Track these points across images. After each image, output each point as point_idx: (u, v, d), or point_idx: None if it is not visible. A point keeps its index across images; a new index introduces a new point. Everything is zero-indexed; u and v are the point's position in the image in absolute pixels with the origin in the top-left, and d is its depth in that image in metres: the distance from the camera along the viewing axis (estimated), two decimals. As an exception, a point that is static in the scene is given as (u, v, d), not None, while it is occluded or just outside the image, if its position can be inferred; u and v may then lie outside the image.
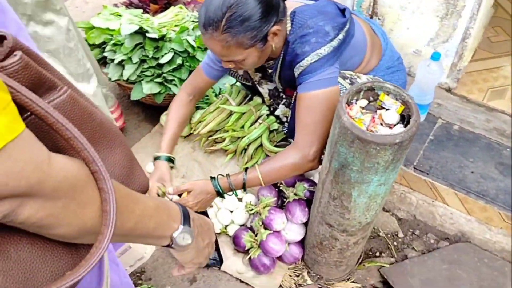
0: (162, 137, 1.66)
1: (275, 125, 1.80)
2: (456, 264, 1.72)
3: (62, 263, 0.53)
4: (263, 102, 1.87)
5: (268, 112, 1.84)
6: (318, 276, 1.71)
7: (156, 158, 1.61)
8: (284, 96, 1.82)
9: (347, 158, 1.17)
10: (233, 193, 1.51)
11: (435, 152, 1.88)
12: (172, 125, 1.66)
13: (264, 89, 1.80)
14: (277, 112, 1.82)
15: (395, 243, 1.82)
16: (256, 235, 1.64)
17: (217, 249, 1.61)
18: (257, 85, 1.82)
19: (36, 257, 0.51)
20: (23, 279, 0.49)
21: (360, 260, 1.74)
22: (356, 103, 1.21)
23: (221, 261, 1.61)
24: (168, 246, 0.70)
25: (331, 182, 1.30)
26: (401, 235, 1.84)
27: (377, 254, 1.79)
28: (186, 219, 0.71)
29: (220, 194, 1.48)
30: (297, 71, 1.39)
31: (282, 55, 1.46)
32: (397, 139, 1.08)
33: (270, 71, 1.64)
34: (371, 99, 1.24)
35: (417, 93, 1.86)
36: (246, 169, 1.48)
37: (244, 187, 1.47)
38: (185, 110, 1.71)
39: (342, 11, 1.45)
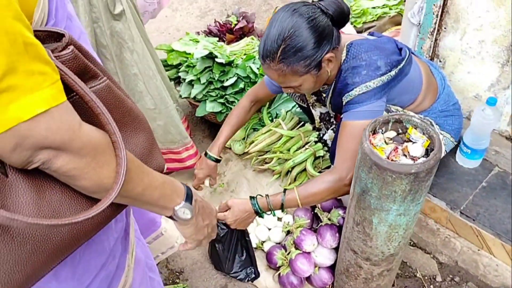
0: (218, 136, 1.84)
1: (321, 152, 1.88)
2: (495, 319, 1.63)
3: (81, 210, 0.68)
4: (314, 128, 1.97)
5: (316, 139, 1.93)
6: (346, 305, 1.72)
7: (208, 155, 1.82)
8: (334, 122, 1.91)
9: (367, 183, 1.23)
10: (271, 213, 1.60)
11: (486, 200, 1.82)
12: (229, 129, 1.83)
13: (317, 111, 1.91)
14: (325, 136, 1.91)
15: (431, 286, 1.78)
16: (287, 254, 1.71)
17: (254, 263, 1.71)
18: (311, 107, 1.93)
19: (63, 202, 0.66)
20: (49, 215, 0.65)
21: (391, 297, 1.73)
22: (382, 133, 1.27)
23: (257, 275, 1.71)
24: (171, 218, 0.84)
25: (354, 207, 1.35)
26: (439, 279, 1.79)
27: (411, 294, 1.76)
28: (189, 198, 0.84)
29: (258, 213, 1.56)
30: (345, 100, 1.48)
31: (334, 81, 1.56)
32: (412, 169, 1.12)
33: (323, 95, 1.75)
34: (400, 131, 1.30)
35: (472, 137, 1.83)
36: (285, 190, 1.57)
37: (282, 207, 1.54)
38: (244, 116, 1.87)
39: (400, 49, 1.51)
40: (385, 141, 1.25)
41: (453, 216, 1.83)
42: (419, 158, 1.23)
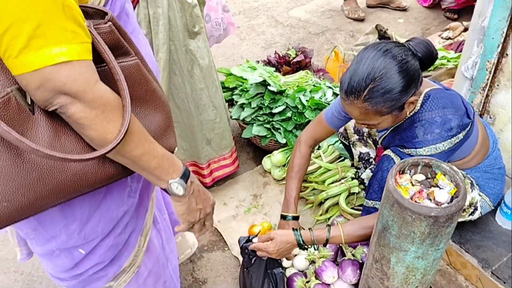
0: (287, 194, 1.79)
1: (357, 189, 1.92)
2: None
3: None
4: (352, 165, 2.02)
5: (353, 176, 1.97)
6: None
7: (285, 217, 1.79)
8: (373, 162, 1.95)
9: (388, 221, 1.26)
10: (312, 246, 1.64)
11: (521, 264, 1.76)
12: (296, 184, 1.78)
13: (357, 150, 1.95)
14: (362, 175, 1.95)
15: None
16: (307, 282, 1.74)
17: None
18: (351, 145, 1.98)
19: (73, 149, 0.78)
20: (64, 151, 0.77)
21: None
22: (410, 175, 1.30)
23: None
24: (165, 191, 0.93)
25: (375, 243, 1.38)
26: (460, 337, 1.73)
27: None
28: (185, 177, 0.94)
29: (300, 245, 1.59)
30: (407, 150, 1.50)
31: (399, 124, 1.56)
32: (432, 212, 1.15)
33: (376, 135, 1.77)
34: (429, 176, 1.32)
35: (514, 197, 1.79)
36: (329, 227, 1.59)
37: (326, 243, 1.57)
38: (307, 166, 1.84)
39: (466, 109, 1.51)
40: (411, 183, 1.28)
41: (484, 276, 1.77)
42: (443, 204, 1.24)
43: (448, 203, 1.25)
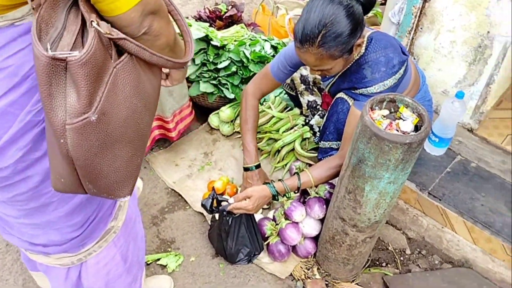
0: (245, 147, 1.86)
1: (308, 134, 2.04)
2: (456, 285, 1.85)
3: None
4: (301, 113, 2.12)
5: (303, 123, 2.08)
6: (327, 273, 1.88)
7: (248, 169, 1.86)
8: (320, 108, 2.07)
9: (364, 153, 1.39)
10: (285, 196, 1.76)
11: (450, 183, 2.05)
12: (251, 134, 1.86)
13: (304, 99, 2.06)
14: (312, 122, 2.07)
15: (401, 258, 1.97)
16: (276, 224, 1.85)
17: (261, 245, 1.83)
18: (299, 95, 2.08)
19: (148, 81, 0.88)
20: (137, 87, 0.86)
21: (366, 265, 1.90)
22: (378, 110, 1.44)
23: (261, 249, 1.83)
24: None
25: (348, 176, 1.51)
26: (408, 252, 2.00)
27: (384, 264, 1.94)
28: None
29: (274, 197, 1.73)
30: (359, 90, 1.63)
31: (345, 69, 1.69)
32: (407, 139, 1.30)
33: (321, 83, 1.89)
34: (392, 110, 1.47)
35: (440, 127, 2.06)
36: (297, 173, 1.73)
37: (298, 190, 1.73)
38: (257, 116, 1.91)
39: (401, 47, 1.69)
40: (383, 117, 1.42)
41: (422, 197, 2.04)
42: (409, 133, 1.41)
43: (413, 132, 1.42)
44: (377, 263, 1.95)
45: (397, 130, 1.42)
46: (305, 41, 1.48)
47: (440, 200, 2.00)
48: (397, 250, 2.00)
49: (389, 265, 1.94)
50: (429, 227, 2.03)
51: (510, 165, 2.10)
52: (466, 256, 1.95)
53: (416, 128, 1.41)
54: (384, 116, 1.45)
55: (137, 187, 1.71)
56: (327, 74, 1.66)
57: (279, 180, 1.71)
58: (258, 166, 1.87)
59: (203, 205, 1.78)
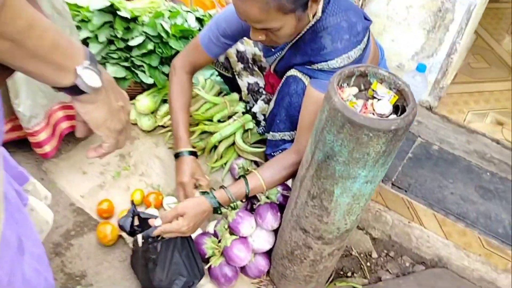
0: (175, 130, 1.49)
1: (250, 124, 1.65)
2: (432, 290, 1.59)
3: None
4: (240, 99, 1.73)
5: (244, 110, 1.69)
6: (284, 293, 1.53)
7: (178, 155, 1.46)
8: (264, 92, 1.69)
9: (334, 147, 1.03)
10: (230, 207, 1.36)
11: (414, 170, 1.79)
12: (182, 114, 1.50)
13: (244, 81, 1.67)
14: (254, 109, 1.68)
15: (368, 263, 1.68)
16: (219, 241, 1.45)
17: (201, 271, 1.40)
18: (236, 76, 1.69)
19: None
20: None
21: (330, 279, 1.58)
22: (347, 88, 1.08)
23: (201, 275, 1.41)
24: (72, 91, 0.61)
25: (311, 177, 1.15)
26: (375, 255, 1.70)
27: (349, 274, 1.63)
28: (93, 60, 0.63)
29: (216, 210, 1.32)
30: (317, 65, 1.28)
31: (297, 39, 1.32)
32: (392, 125, 0.96)
33: (262, 61, 1.51)
34: (362, 87, 1.13)
35: (400, 106, 1.78)
36: (242, 177, 1.35)
37: (246, 198, 1.35)
38: (189, 93, 1.55)
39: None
40: (353, 96, 1.07)
41: (384, 189, 1.75)
42: (387, 116, 1.07)
43: (392, 114, 1.08)
44: (342, 273, 1.63)
45: (373, 114, 1.08)
46: None
47: (406, 191, 1.72)
48: (362, 255, 1.69)
49: (355, 274, 1.63)
50: (394, 223, 1.75)
51: (475, 146, 1.87)
52: (439, 253, 1.69)
53: (396, 109, 1.08)
54: (353, 96, 1.11)
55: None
56: (274, 43, 1.27)
57: (221, 187, 1.31)
58: (193, 154, 1.47)
59: (120, 226, 1.35)
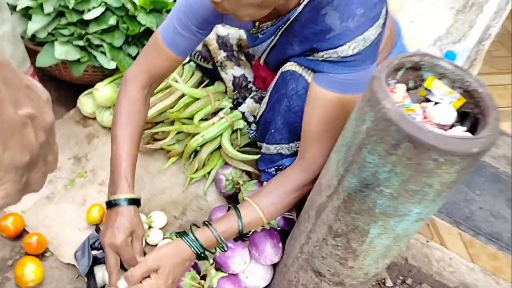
0: (114, 167, 1.02)
1: (240, 124, 1.30)
2: (460, 328, 1.31)
3: None
4: (225, 93, 1.38)
5: (231, 105, 1.34)
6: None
7: (113, 203, 0.98)
8: (253, 88, 1.35)
9: (378, 173, 0.70)
10: (218, 249, 1.01)
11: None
12: (128, 147, 1.03)
13: (228, 74, 1.32)
14: (241, 108, 1.34)
15: (382, 294, 1.38)
16: (202, 278, 1.12)
17: None
18: (219, 68, 1.33)
19: None
20: None
21: (339, 317, 1.28)
22: (398, 86, 0.75)
23: None
24: None
25: (336, 210, 0.82)
26: (389, 283, 1.41)
27: (360, 308, 1.33)
28: None
29: (200, 256, 0.97)
30: (322, 54, 0.93)
31: (290, 19, 0.98)
32: (474, 147, 0.64)
33: (253, 47, 1.14)
34: (411, 85, 0.80)
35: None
36: (235, 209, 0.99)
37: (240, 235, 1.00)
38: (142, 117, 1.09)
39: None
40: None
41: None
42: (450, 128, 0.75)
43: (457, 123, 0.76)
44: (351, 307, 1.33)
45: (430, 123, 0.76)
46: None
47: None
48: (374, 284, 1.40)
49: (367, 309, 1.33)
50: (411, 243, 1.47)
51: (504, 150, 1.59)
52: (464, 280, 1.42)
53: (463, 116, 0.76)
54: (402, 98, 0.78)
55: None
56: (240, 15, 0.86)
57: (205, 223, 0.97)
58: (134, 202, 1.00)
59: (76, 259, 1.02)
